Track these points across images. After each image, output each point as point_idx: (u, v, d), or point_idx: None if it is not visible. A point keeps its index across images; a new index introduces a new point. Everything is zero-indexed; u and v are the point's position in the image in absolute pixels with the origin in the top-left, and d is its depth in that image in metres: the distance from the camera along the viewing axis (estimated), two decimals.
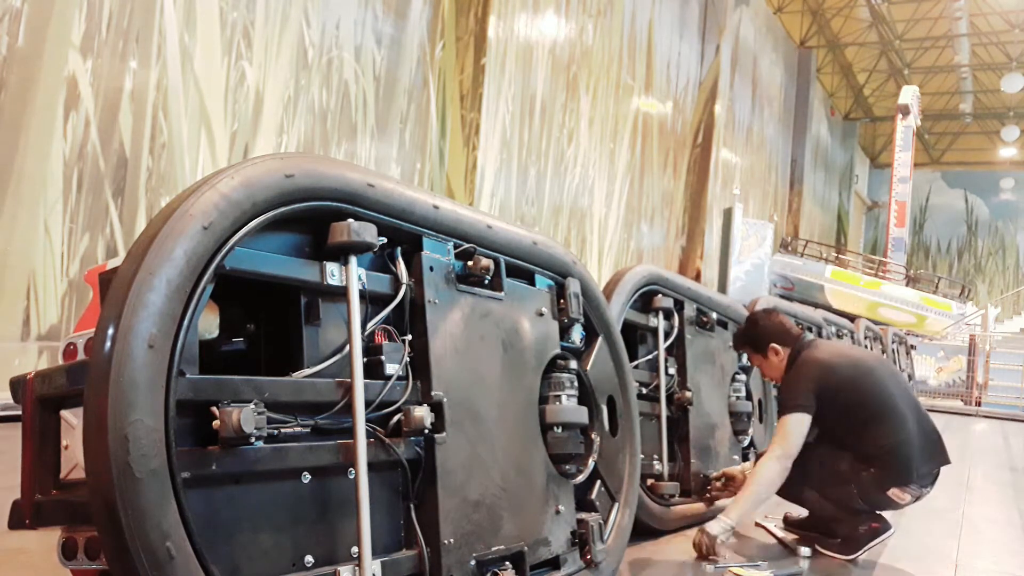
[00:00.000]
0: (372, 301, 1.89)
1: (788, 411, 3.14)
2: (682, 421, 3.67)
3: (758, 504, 3.17)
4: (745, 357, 4.04)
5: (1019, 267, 30.22)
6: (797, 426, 3.09)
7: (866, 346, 8.62)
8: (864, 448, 3.14)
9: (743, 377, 4.26)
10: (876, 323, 10.60)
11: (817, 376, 3.16)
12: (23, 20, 4.80)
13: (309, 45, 6.84)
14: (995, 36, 22.76)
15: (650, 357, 3.61)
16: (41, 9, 4.88)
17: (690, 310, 3.81)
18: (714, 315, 3.94)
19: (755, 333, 3.46)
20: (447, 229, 2.10)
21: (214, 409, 1.50)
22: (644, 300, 3.58)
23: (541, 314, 2.43)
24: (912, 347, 13.01)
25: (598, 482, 2.64)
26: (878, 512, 3.22)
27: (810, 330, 5.77)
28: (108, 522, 1.32)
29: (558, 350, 2.47)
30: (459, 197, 8.47)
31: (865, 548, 3.16)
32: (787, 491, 3.27)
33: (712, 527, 3.01)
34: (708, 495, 3.63)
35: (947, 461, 3.19)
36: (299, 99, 6.75)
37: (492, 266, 2.15)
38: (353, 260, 1.79)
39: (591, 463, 2.59)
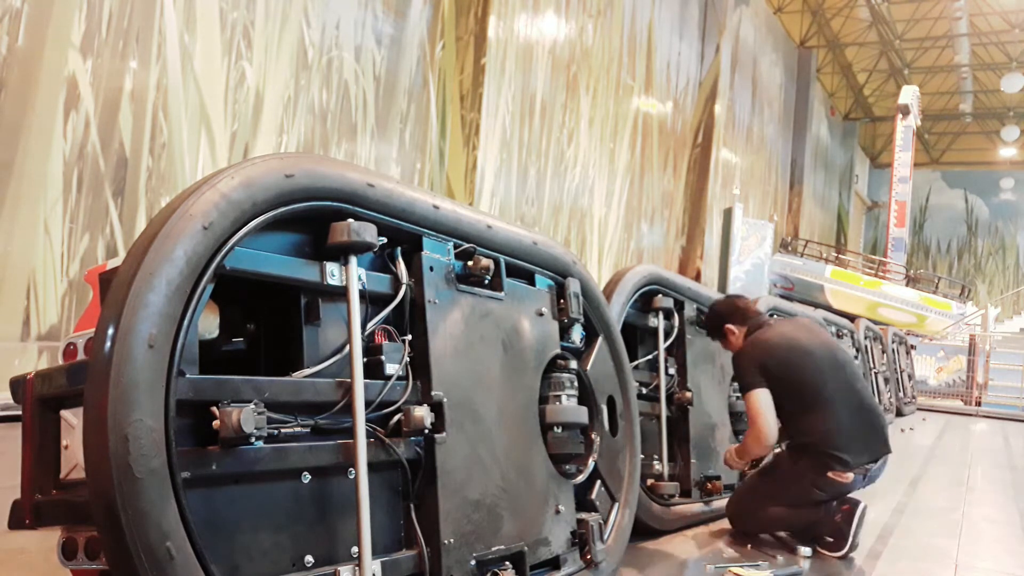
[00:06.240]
0: (372, 301, 1.89)
1: (747, 389, 3.27)
2: (682, 421, 3.67)
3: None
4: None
5: (1019, 267, 30.19)
6: (764, 398, 3.21)
7: (866, 347, 8.60)
8: (797, 437, 3.28)
9: None
10: (876, 323, 10.59)
11: (759, 356, 3.31)
12: (23, 20, 4.79)
13: (309, 45, 6.84)
14: (995, 36, 22.73)
15: (650, 357, 3.61)
16: (41, 9, 4.88)
17: (690, 310, 3.82)
18: None
19: (711, 318, 3.60)
20: (447, 229, 2.10)
21: (214, 409, 1.50)
22: (644, 300, 3.58)
23: (541, 314, 2.43)
24: (912, 347, 13.01)
25: (598, 482, 2.64)
26: (841, 495, 3.26)
27: None
28: (108, 522, 1.32)
29: (558, 350, 2.47)
30: (459, 197, 8.46)
31: (853, 535, 3.17)
32: (757, 522, 3.38)
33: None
34: (704, 496, 3.64)
35: (887, 451, 3.30)
36: (299, 99, 6.75)
37: (492, 266, 2.15)
38: (353, 260, 1.79)
39: (591, 463, 2.59)
